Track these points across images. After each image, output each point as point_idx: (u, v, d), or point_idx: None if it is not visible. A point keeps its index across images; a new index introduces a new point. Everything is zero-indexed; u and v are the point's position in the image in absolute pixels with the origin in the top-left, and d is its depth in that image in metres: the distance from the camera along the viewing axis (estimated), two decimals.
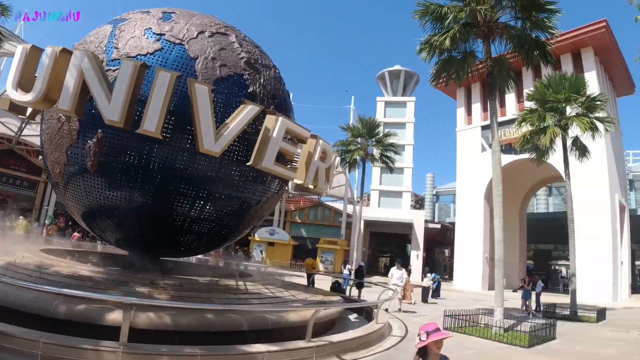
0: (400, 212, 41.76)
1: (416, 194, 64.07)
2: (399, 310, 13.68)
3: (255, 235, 40.55)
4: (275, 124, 7.31)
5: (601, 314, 16.15)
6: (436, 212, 66.53)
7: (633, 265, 39.92)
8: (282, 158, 7.89)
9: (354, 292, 16.39)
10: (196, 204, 8.26)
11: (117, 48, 8.03)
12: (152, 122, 6.58)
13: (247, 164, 7.39)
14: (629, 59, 34.83)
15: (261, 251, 39.51)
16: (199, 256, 25.91)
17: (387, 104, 45.96)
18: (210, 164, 7.86)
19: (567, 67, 28.28)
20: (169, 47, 8.05)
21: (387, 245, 48.43)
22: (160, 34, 8.20)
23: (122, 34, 8.38)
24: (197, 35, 8.34)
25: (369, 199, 45.69)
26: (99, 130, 7.63)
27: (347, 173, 36.77)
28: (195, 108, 6.80)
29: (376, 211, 42.25)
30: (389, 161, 28.66)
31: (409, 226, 40.54)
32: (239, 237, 11.20)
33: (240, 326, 6.70)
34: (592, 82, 26.08)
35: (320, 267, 39.01)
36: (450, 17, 12.10)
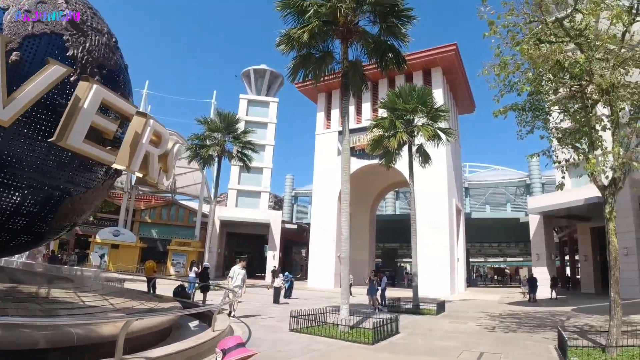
0: (258, 212, 41.32)
1: (276, 195, 64.53)
2: (232, 315, 12.47)
3: (97, 236, 35.88)
4: (87, 93, 5.90)
5: (441, 306, 17.53)
6: (294, 213, 67.88)
7: (468, 262, 46.25)
8: (100, 137, 6.49)
9: (200, 296, 15.13)
10: None
11: None
12: None
13: (49, 140, 5.84)
14: (473, 80, 40.09)
15: (103, 255, 34.99)
16: (23, 260, 21.80)
17: (250, 102, 45.26)
18: (11, 142, 6.16)
19: (418, 82, 31.14)
20: None
21: (244, 245, 47.50)
22: None
23: None
24: None
25: (227, 199, 44.24)
26: None
27: (203, 170, 34.89)
28: None
29: (233, 211, 41.09)
30: (246, 159, 27.76)
31: (267, 226, 40.33)
32: (54, 235, 9.30)
33: (35, 343, 5.26)
34: (439, 98, 29.13)
35: (171, 270, 36.26)
36: (312, 11, 11.92)
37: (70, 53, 6.90)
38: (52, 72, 5.74)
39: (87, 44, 7.31)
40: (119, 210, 40.07)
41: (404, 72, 26.21)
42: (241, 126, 30.34)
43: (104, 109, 6.55)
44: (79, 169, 7.44)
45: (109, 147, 6.63)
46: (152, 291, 15.11)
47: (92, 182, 7.99)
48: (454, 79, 35.70)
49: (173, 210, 43.85)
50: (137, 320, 5.96)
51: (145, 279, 17.20)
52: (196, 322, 10.52)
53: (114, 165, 6.62)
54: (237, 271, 13.56)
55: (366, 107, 35.18)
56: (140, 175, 7.33)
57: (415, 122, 19.41)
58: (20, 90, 5.50)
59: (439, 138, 19.23)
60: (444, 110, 19.62)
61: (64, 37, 6.90)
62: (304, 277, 39.85)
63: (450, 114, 25.37)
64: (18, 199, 6.85)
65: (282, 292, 19.45)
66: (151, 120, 7.01)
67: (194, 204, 46.03)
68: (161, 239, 41.74)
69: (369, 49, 13.23)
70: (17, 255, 21.10)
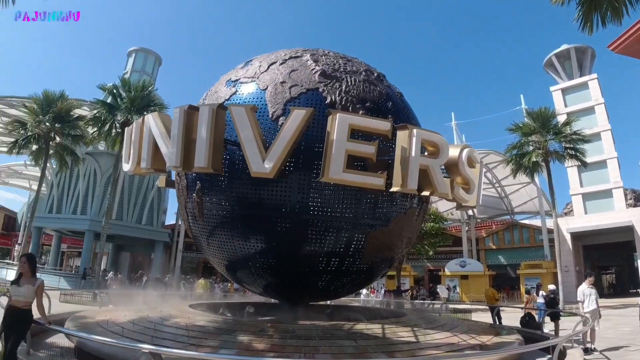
0: (612, 215, 32.35)
1: (634, 189, 50.05)
2: (590, 348, 9.58)
3: (445, 269, 37.41)
4: (333, 124, 6.00)
5: None
6: None
7: None
8: (370, 164, 6.43)
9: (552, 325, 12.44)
10: (326, 240, 7.52)
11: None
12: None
13: (317, 179, 6.22)
14: None
15: (455, 286, 35.95)
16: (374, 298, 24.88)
17: (564, 91, 37.90)
18: (331, 193, 7.10)
19: None
20: (242, 88, 8.03)
21: (607, 259, 38.03)
22: (236, 80, 8.31)
23: (209, 93, 8.92)
24: (267, 68, 8.17)
25: (572, 207, 37.59)
26: (198, 182, 7.95)
27: (532, 180, 31.02)
28: (238, 132, 6.21)
29: (582, 219, 33.81)
30: (579, 155, 22.80)
31: (629, 230, 31.13)
32: (378, 272, 9.74)
33: None
34: None
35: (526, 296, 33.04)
36: None
37: (328, 100, 7.39)
38: (294, 118, 6.16)
39: (344, 86, 7.72)
40: (460, 241, 40.81)
41: None
42: (560, 119, 25.58)
43: (361, 135, 6.52)
44: (373, 202, 7.59)
45: (379, 172, 6.40)
46: (497, 322, 13.66)
47: (392, 213, 7.98)
48: None
49: (516, 232, 40.82)
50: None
51: (488, 308, 15.91)
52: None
53: (393, 189, 6.31)
54: (586, 291, 10.51)
55: None
56: (427, 193, 6.74)
57: None
58: (274, 143, 6.13)
59: None
60: None
61: (319, 90, 7.51)
62: None
63: None
64: (330, 241, 7.56)
65: None
66: (415, 130, 6.38)
67: (536, 221, 41.53)
68: (510, 264, 39.21)
69: None
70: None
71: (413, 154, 6.25)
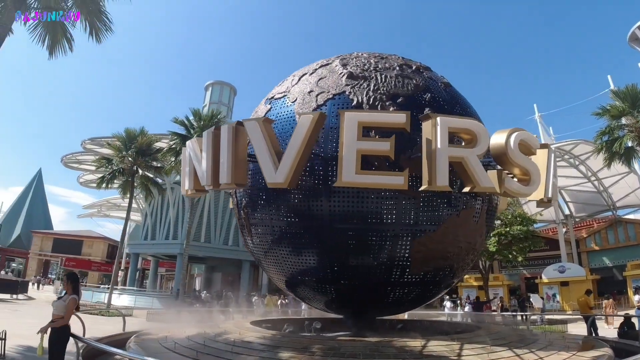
0: None
1: None
2: None
3: (542, 276, 34.15)
4: (342, 123, 5.75)
5: None
6: None
7: None
8: (394, 163, 6.03)
9: None
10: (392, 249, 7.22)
11: None
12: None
13: (333, 185, 5.96)
14: None
15: (553, 294, 32.67)
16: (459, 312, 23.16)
17: None
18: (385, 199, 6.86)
19: None
20: (275, 104, 8.12)
21: None
22: (272, 97, 8.42)
23: (252, 114, 8.97)
24: (298, 80, 8.20)
25: None
26: (243, 199, 8.30)
27: (631, 168, 27.19)
28: (252, 144, 6.21)
29: None
30: None
31: None
32: (439, 285, 8.91)
33: None
34: None
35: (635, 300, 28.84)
36: None
37: (355, 102, 7.11)
38: (301, 124, 5.96)
39: (372, 85, 7.40)
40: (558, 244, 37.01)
41: None
42: None
43: (376, 132, 6.14)
44: (412, 206, 7.05)
45: (397, 170, 5.89)
46: (592, 333, 11.78)
47: (439, 217, 7.33)
48: None
49: (620, 229, 36.11)
50: None
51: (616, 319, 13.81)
52: None
53: (421, 188, 5.71)
54: None
55: None
56: (467, 189, 6.01)
57: None
58: (285, 152, 5.98)
59: None
60: None
61: (346, 93, 7.27)
62: None
63: None
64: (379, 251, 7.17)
65: None
66: (439, 118, 5.75)
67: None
68: (615, 265, 34.69)
69: None
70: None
71: (439, 145, 5.63)
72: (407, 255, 7.31)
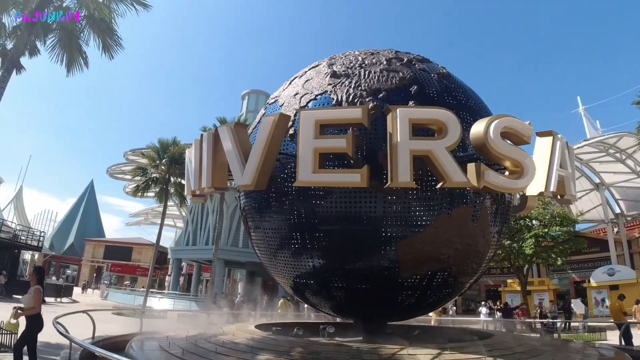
0: None
1: None
2: None
3: (591, 279, 32.22)
4: (305, 123, 5.77)
5: None
6: None
7: None
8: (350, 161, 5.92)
9: None
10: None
11: None
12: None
13: (294, 184, 5.96)
14: None
15: (602, 299, 30.75)
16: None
17: None
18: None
19: None
20: (268, 109, 8.26)
21: None
22: (267, 103, 8.64)
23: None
24: (289, 84, 8.27)
25: None
26: (242, 202, 8.38)
27: None
28: (225, 149, 6.51)
29: None
30: None
31: None
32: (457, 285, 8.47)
33: None
34: None
35: None
36: None
37: (334, 101, 7.02)
38: (263, 126, 5.99)
39: (354, 82, 7.29)
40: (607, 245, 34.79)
41: None
42: None
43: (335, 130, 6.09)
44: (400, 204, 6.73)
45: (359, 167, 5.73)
46: (624, 343, 10.76)
47: (427, 216, 6.89)
48: None
49: None
50: None
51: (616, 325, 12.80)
52: None
53: (386, 185, 5.49)
54: None
55: None
56: (439, 185, 5.67)
57: None
58: (250, 154, 6.01)
59: None
60: None
61: (327, 92, 7.21)
62: None
63: None
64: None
65: None
66: (398, 110, 5.50)
67: None
68: None
69: None
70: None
71: (399, 139, 5.40)
72: (396, 257, 7.07)
